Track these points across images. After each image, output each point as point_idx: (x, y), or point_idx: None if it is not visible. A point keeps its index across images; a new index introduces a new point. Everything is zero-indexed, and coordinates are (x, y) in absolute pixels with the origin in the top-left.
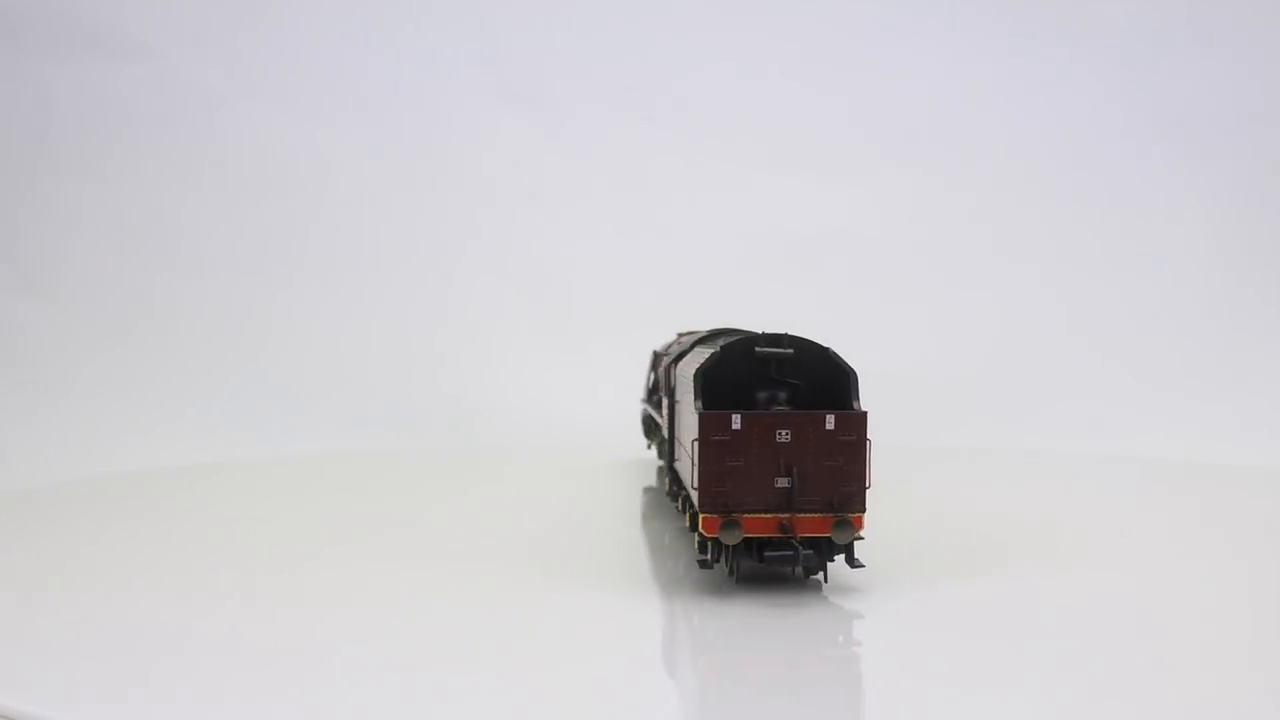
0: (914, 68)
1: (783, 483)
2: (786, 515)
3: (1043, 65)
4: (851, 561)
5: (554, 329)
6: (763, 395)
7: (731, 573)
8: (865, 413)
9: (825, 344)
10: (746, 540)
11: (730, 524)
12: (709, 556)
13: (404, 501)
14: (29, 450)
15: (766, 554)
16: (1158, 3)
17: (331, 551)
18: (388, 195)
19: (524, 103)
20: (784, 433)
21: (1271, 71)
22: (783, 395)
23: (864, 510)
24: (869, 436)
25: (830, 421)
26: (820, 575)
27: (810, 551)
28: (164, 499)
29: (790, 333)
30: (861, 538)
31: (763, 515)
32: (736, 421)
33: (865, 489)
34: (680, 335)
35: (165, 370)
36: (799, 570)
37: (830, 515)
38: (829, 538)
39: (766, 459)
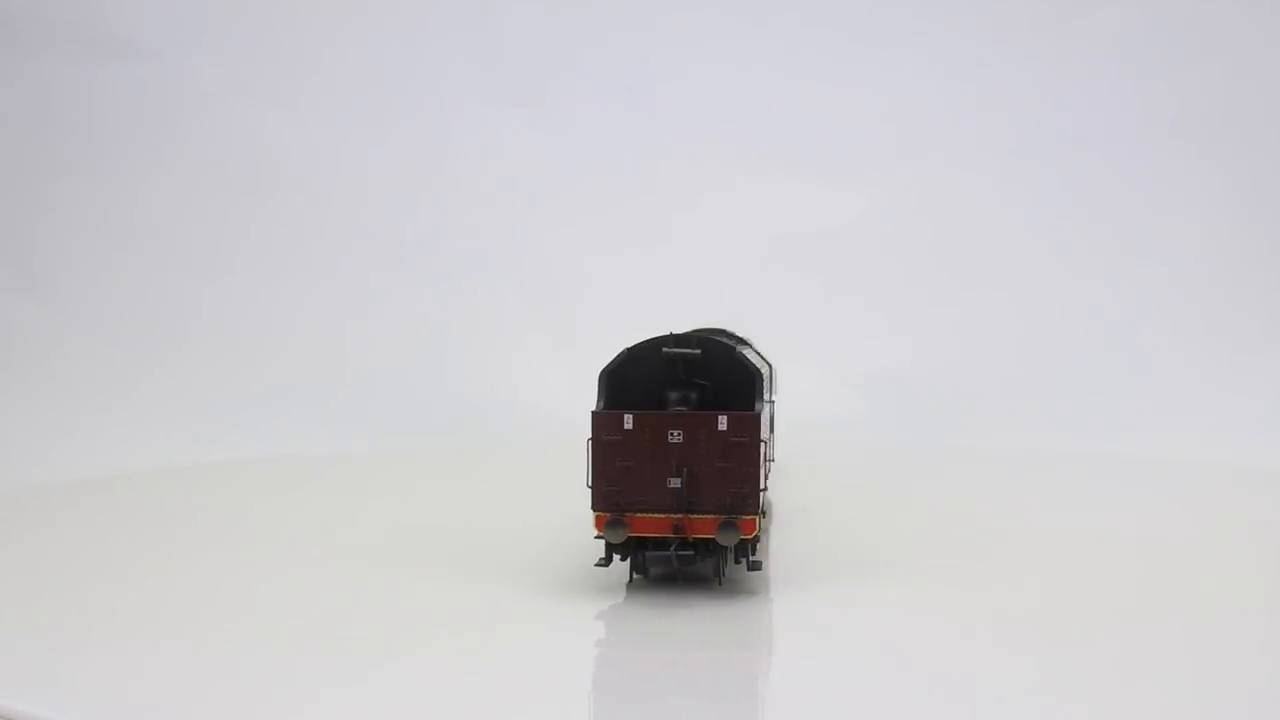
0: (918, 68)
1: (675, 483)
2: (679, 516)
3: (1045, 66)
4: (750, 564)
5: (555, 329)
6: (674, 396)
7: (640, 571)
8: (757, 414)
9: (732, 344)
10: (641, 540)
11: (615, 522)
12: (605, 555)
13: (392, 503)
14: (29, 450)
15: (647, 554)
16: (1159, 5)
17: (317, 554)
18: (389, 195)
19: (524, 102)
20: (676, 433)
21: (1271, 72)
22: (694, 396)
23: (757, 512)
24: (763, 438)
25: (722, 423)
26: (718, 576)
27: (689, 553)
28: (164, 499)
29: (699, 333)
30: (758, 538)
31: (655, 515)
32: (629, 421)
33: (759, 491)
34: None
35: (165, 370)
36: (714, 571)
37: (719, 516)
38: (749, 539)
39: (659, 459)
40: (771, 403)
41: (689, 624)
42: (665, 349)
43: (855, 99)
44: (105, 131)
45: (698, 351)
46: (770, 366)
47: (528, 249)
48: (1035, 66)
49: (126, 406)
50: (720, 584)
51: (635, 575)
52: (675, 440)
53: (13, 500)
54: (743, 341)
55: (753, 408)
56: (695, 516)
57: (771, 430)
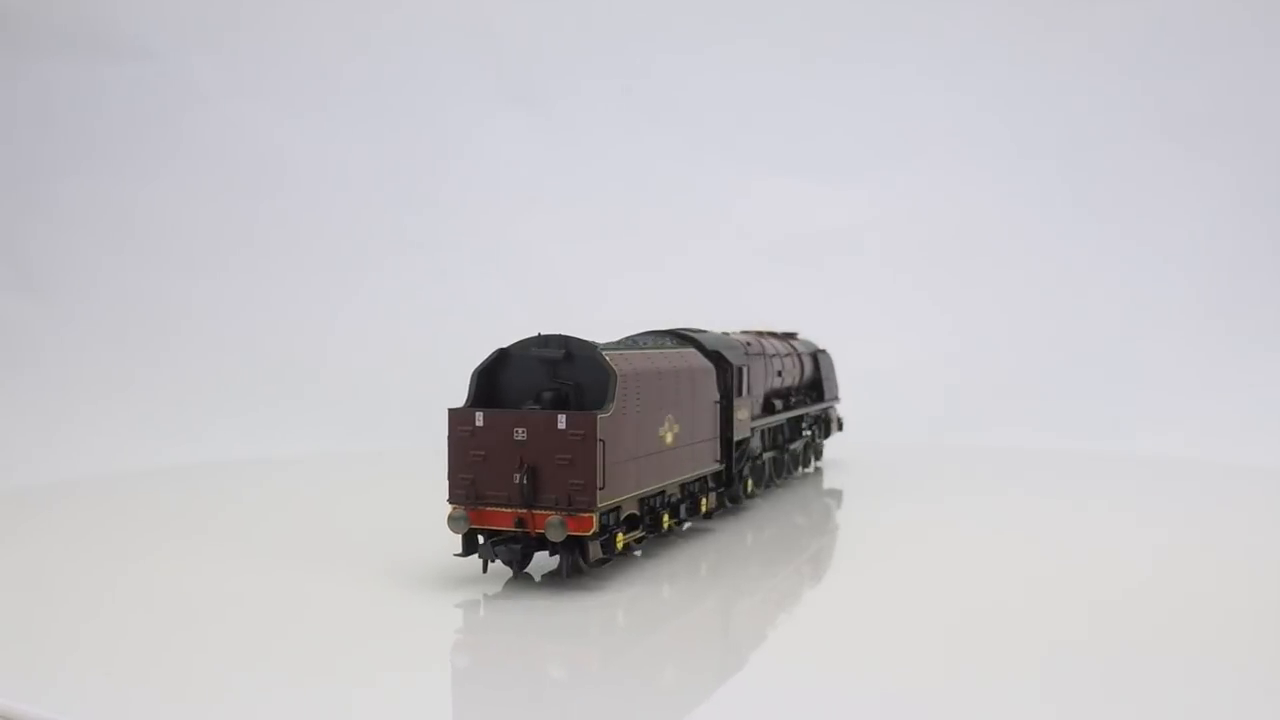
0: (920, 68)
1: (519, 479)
2: (523, 511)
3: (1048, 66)
4: (584, 562)
5: (553, 328)
6: (548, 395)
7: (511, 562)
8: (595, 414)
9: (594, 345)
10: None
11: (456, 515)
12: (462, 547)
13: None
14: (28, 449)
15: (480, 544)
16: (1159, 6)
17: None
18: (388, 196)
19: (523, 103)
20: (521, 431)
21: (1271, 73)
22: (563, 395)
23: (594, 509)
24: (601, 437)
25: (562, 421)
26: (566, 570)
27: (504, 546)
28: (163, 499)
29: (566, 335)
30: (601, 533)
31: (501, 509)
32: (479, 418)
33: (595, 488)
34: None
35: (164, 369)
36: (566, 566)
37: (557, 512)
38: (580, 536)
39: (506, 455)
40: (719, 402)
41: (540, 616)
42: (532, 350)
43: (856, 99)
44: (105, 131)
45: (558, 353)
46: (730, 364)
47: (527, 249)
48: (1037, 67)
49: (126, 406)
50: (566, 576)
51: (519, 568)
52: (520, 438)
53: (13, 500)
54: (689, 340)
55: (606, 406)
56: (537, 512)
57: (725, 424)
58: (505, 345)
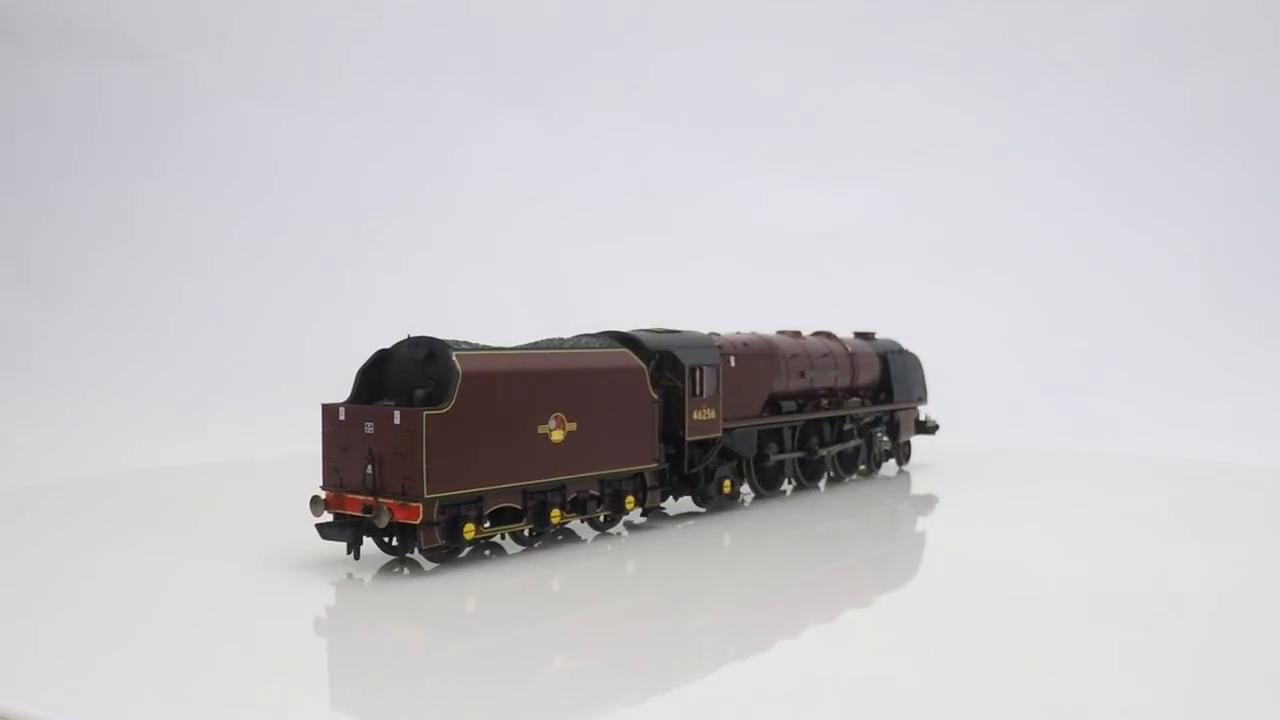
0: (920, 69)
1: (365, 468)
2: (370, 497)
3: (1048, 66)
4: (426, 553)
5: (553, 327)
6: (420, 392)
7: (355, 545)
8: (421, 410)
9: (449, 345)
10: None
11: (315, 499)
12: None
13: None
14: (29, 449)
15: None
16: (1160, 6)
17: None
18: (388, 194)
19: (523, 103)
20: (369, 425)
21: (1272, 73)
22: (431, 392)
23: (421, 500)
24: (430, 433)
25: (397, 417)
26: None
27: (335, 528)
28: (162, 499)
29: (431, 336)
30: (435, 524)
31: (355, 496)
32: (342, 413)
33: (421, 480)
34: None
35: (164, 369)
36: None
37: (390, 502)
38: (414, 524)
39: (359, 447)
40: (654, 399)
41: (401, 600)
42: (403, 350)
43: (856, 98)
44: (105, 131)
45: (422, 353)
46: (681, 364)
47: (528, 248)
48: (1039, 67)
49: (125, 406)
50: (399, 559)
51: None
52: (369, 431)
53: (13, 499)
54: (629, 341)
55: (441, 404)
56: (382, 500)
57: (677, 423)
58: (385, 346)
